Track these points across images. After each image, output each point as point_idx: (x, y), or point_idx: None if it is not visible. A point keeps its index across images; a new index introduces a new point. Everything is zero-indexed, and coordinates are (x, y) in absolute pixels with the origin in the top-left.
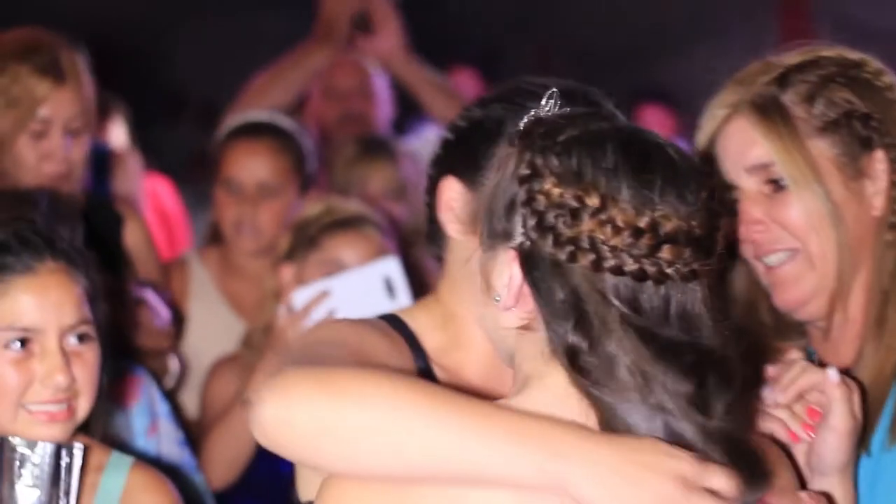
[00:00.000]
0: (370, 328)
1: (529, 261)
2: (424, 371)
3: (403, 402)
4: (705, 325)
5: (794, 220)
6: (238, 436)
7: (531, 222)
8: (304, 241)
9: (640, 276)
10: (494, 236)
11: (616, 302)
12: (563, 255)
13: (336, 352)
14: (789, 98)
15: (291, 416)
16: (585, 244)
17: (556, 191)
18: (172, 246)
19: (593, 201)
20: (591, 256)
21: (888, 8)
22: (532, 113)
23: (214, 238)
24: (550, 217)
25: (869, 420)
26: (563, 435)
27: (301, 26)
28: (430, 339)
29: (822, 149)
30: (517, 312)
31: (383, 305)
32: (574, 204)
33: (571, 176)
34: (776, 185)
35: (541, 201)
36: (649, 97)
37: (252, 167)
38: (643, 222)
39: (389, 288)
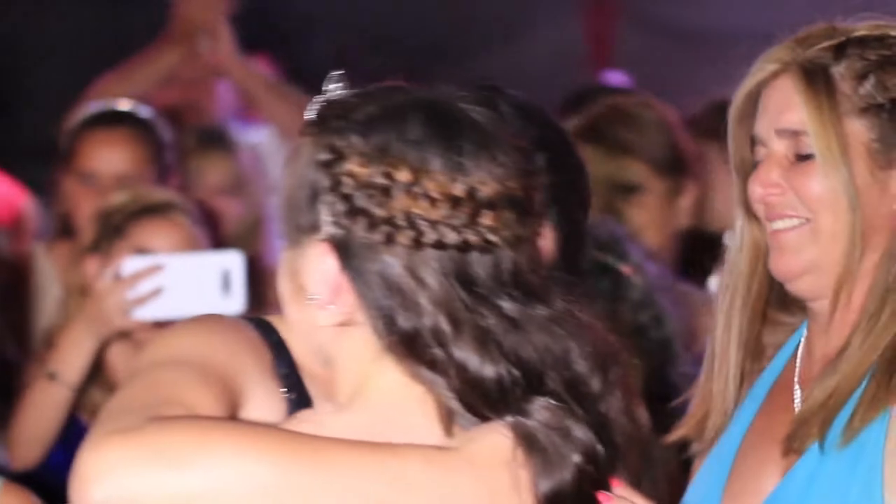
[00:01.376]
0: (223, 335)
1: (343, 250)
2: (288, 377)
3: (247, 460)
4: (544, 290)
5: (812, 192)
6: (41, 412)
7: (340, 208)
8: (109, 231)
9: (464, 247)
10: (300, 231)
11: (443, 278)
12: (379, 238)
13: (180, 376)
14: (840, 70)
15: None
16: (402, 222)
17: (363, 170)
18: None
19: (404, 176)
20: (410, 234)
21: (695, 8)
22: (320, 97)
23: (64, 232)
24: (360, 199)
25: (831, 413)
26: (405, 465)
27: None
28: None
29: (859, 130)
30: (336, 309)
31: (215, 299)
32: (384, 181)
33: (377, 153)
34: (803, 154)
35: (348, 184)
36: None
37: (110, 158)
38: (459, 190)
39: (226, 282)
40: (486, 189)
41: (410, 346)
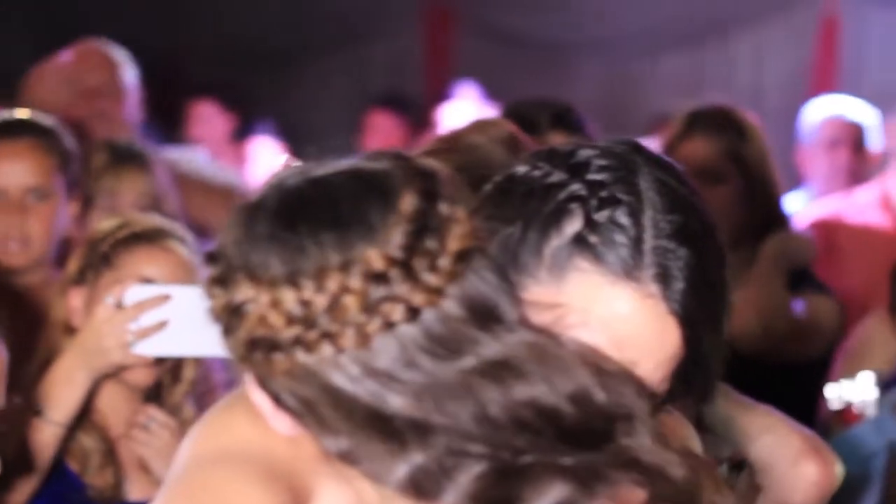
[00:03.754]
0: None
1: (258, 378)
2: None
3: None
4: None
5: None
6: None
7: (228, 343)
8: (95, 260)
9: (340, 349)
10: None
11: (335, 382)
12: (261, 364)
13: (235, 475)
14: None
15: None
16: (263, 343)
17: (218, 297)
18: None
19: (245, 293)
20: (282, 355)
21: (534, 17)
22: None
23: None
24: (224, 324)
25: None
26: None
27: None
28: None
29: None
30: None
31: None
32: (234, 302)
33: (226, 274)
34: None
35: (218, 315)
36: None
37: (16, 171)
38: (307, 288)
39: None
40: (335, 279)
41: (342, 461)
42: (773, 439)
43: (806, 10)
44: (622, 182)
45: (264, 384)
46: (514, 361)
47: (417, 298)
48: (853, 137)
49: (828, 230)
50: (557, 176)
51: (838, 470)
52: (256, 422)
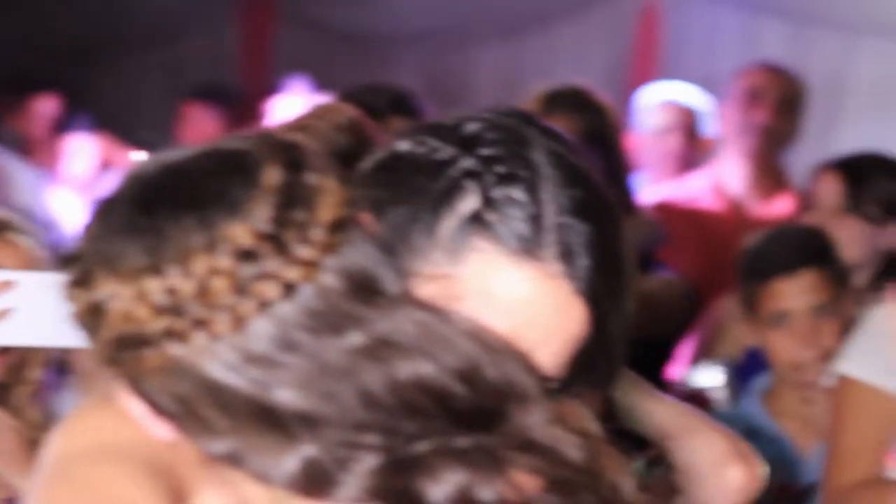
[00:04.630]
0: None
1: (128, 381)
2: None
3: None
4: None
5: None
6: None
7: (92, 346)
8: None
9: (215, 336)
10: None
11: (213, 374)
12: (131, 364)
13: (118, 471)
14: None
15: None
16: (132, 340)
17: (78, 298)
18: None
19: (105, 290)
20: (152, 350)
21: (355, 8)
22: None
23: None
24: (87, 327)
25: None
26: None
27: None
28: None
29: None
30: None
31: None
32: (95, 301)
33: (84, 274)
34: None
35: (80, 317)
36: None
37: None
38: (172, 275)
39: None
40: (201, 261)
41: (230, 462)
42: (696, 441)
43: (626, 1)
44: (516, 157)
45: (136, 387)
46: (399, 338)
47: (292, 273)
48: (685, 123)
49: (661, 216)
50: (446, 151)
51: (762, 474)
52: (131, 421)
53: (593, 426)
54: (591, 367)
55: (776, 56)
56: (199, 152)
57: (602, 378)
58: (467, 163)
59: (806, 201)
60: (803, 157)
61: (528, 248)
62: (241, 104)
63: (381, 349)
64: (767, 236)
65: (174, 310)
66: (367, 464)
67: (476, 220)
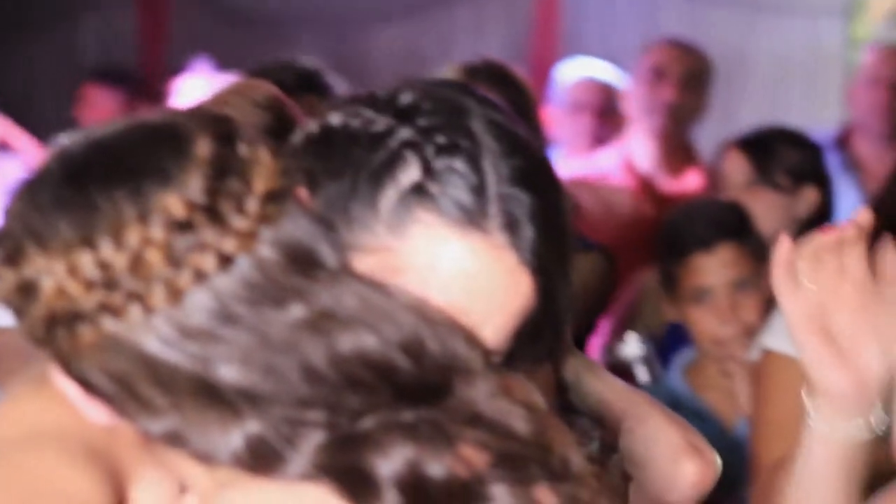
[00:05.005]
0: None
1: (61, 363)
2: None
3: None
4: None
5: None
6: None
7: (24, 328)
8: None
9: (150, 309)
10: None
11: (151, 350)
12: (65, 342)
13: (54, 457)
14: None
15: None
16: (65, 316)
17: (7, 277)
18: None
19: (36, 266)
20: (87, 326)
21: None
22: None
23: None
24: (17, 308)
25: None
26: None
27: None
28: None
29: None
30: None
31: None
32: (25, 278)
33: (13, 252)
34: None
35: (8, 300)
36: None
37: None
38: (104, 247)
39: None
40: (133, 233)
41: (172, 443)
42: (650, 432)
43: None
44: (455, 126)
45: (70, 368)
46: (340, 311)
47: (228, 245)
48: (600, 100)
49: (572, 191)
50: (383, 122)
51: (717, 467)
52: (65, 403)
53: (539, 399)
54: (536, 339)
55: (674, 33)
56: (126, 127)
57: (548, 350)
58: (405, 133)
59: (713, 178)
60: (705, 134)
61: (472, 219)
62: (140, 85)
63: (322, 322)
64: (684, 212)
65: (108, 284)
66: (313, 440)
67: (418, 192)
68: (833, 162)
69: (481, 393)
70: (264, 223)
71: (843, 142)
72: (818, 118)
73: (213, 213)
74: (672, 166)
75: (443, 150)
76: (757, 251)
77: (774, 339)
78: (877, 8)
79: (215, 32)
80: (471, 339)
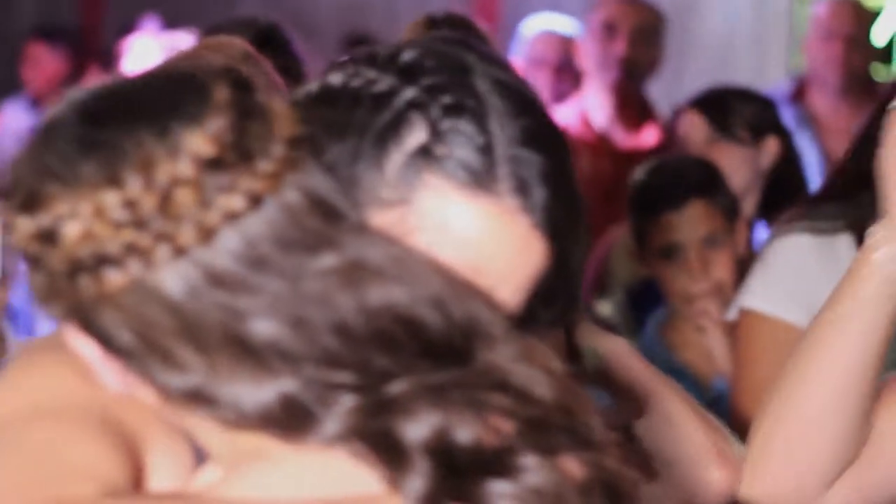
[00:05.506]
0: None
1: (79, 319)
2: None
3: None
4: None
5: None
6: None
7: (40, 280)
8: None
9: (179, 250)
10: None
11: (180, 297)
12: (90, 290)
13: (69, 431)
14: None
15: None
16: (90, 261)
17: (25, 226)
18: None
19: (58, 209)
20: (114, 270)
21: None
22: None
23: None
24: (36, 257)
25: None
26: None
27: None
28: None
29: None
30: (116, 378)
31: None
32: (46, 224)
33: (30, 199)
34: None
35: (25, 251)
36: None
37: None
38: (132, 186)
39: None
40: (165, 167)
41: (194, 400)
42: (679, 431)
43: None
44: (460, 86)
45: (89, 322)
46: (370, 263)
47: (256, 185)
48: (559, 55)
49: None
50: (386, 82)
51: (742, 472)
52: (75, 372)
53: (557, 364)
54: (550, 303)
55: None
56: (142, 75)
57: (562, 313)
58: (410, 93)
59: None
60: (652, 92)
61: (481, 182)
62: (80, 42)
63: (353, 272)
64: (652, 169)
65: (136, 223)
66: (345, 403)
67: (425, 154)
68: (788, 116)
69: (504, 357)
70: (289, 168)
71: (798, 96)
72: (765, 73)
73: (241, 152)
74: (628, 122)
75: (449, 111)
76: (726, 208)
77: (753, 298)
78: None
79: None
80: (491, 303)
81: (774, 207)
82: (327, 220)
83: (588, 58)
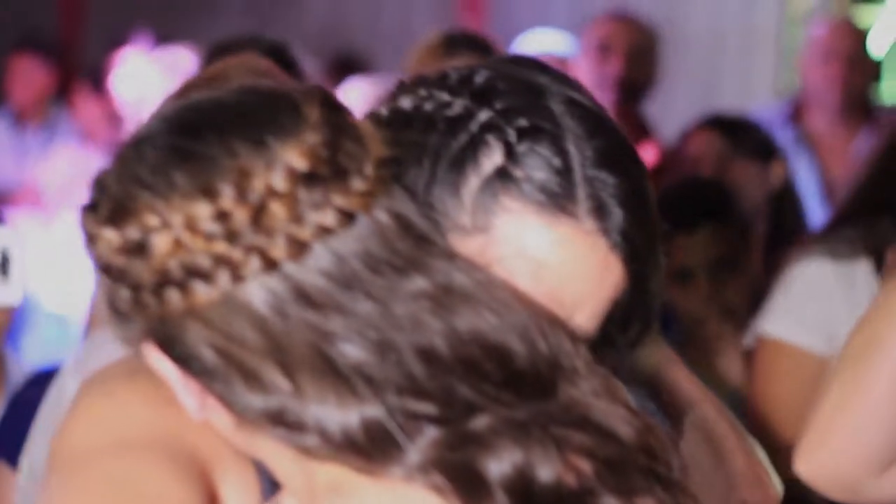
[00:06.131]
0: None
1: (160, 339)
2: None
3: None
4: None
5: None
6: None
7: (123, 295)
8: None
9: (270, 264)
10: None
11: (268, 314)
12: (177, 304)
13: (146, 466)
14: None
15: None
16: (179, 274)
17: (111, 238)
18: None
19: (148, 220)
20: (203, 283)
21: None
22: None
23: None
24: (121, 270)
25: None
26: None
27: None
28: None
29: None
30: (197, 404)
31: None
32: (135, 236)
33: (118, 210)
34: None
35: (110, 264)
36: None
37: None
38: (225, 197)
39: (2, 265)
40: (259, 179)
41: (276, 422)
42: (717, 451)
43: None
44: (535, 108)
45: (171, 343)
46: (459, 288)
47: (349, 202)
48: None
49: None
50: (460, 104)
51: (778, 499)
52: (150, 402)
53: (629, 398)
54: (627, 326)
55: (607, 7)
56: (237, 89)
57: (638, 337)
58: (485, 116)
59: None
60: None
61: (560, 204)
62: (61, 54)
63: (443, 297)
64: (664, 191)
65: (228, 236)
66: (429, 434)
67: (502, 177)
68: (785, 137)
69: (585, 392)
70: (380, 188)
71: (795, 117)
72: (751, 94)
73: (335, 169)
74: None
75: (525, 133)
76: (738, 230)
77: (775, 325)
78: None
79: (135, 3)
80: (572, 334)
81: (775, 231)
82: (417, 244)
83: (582, 77)
